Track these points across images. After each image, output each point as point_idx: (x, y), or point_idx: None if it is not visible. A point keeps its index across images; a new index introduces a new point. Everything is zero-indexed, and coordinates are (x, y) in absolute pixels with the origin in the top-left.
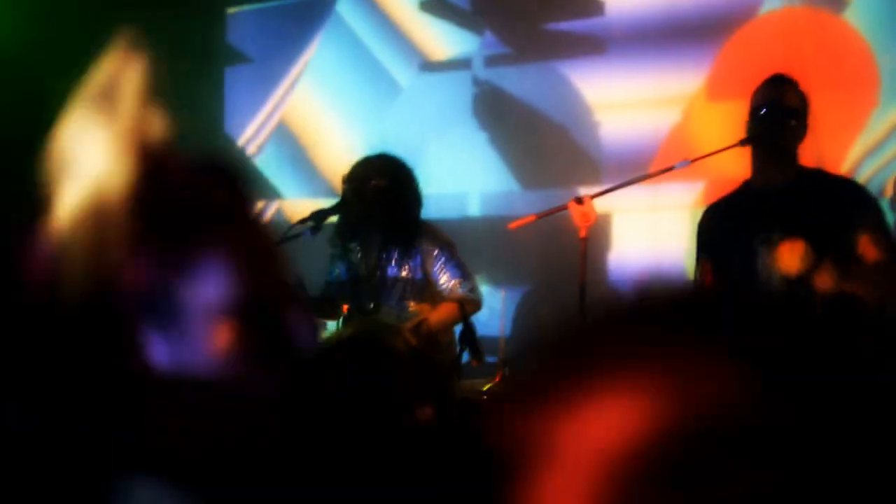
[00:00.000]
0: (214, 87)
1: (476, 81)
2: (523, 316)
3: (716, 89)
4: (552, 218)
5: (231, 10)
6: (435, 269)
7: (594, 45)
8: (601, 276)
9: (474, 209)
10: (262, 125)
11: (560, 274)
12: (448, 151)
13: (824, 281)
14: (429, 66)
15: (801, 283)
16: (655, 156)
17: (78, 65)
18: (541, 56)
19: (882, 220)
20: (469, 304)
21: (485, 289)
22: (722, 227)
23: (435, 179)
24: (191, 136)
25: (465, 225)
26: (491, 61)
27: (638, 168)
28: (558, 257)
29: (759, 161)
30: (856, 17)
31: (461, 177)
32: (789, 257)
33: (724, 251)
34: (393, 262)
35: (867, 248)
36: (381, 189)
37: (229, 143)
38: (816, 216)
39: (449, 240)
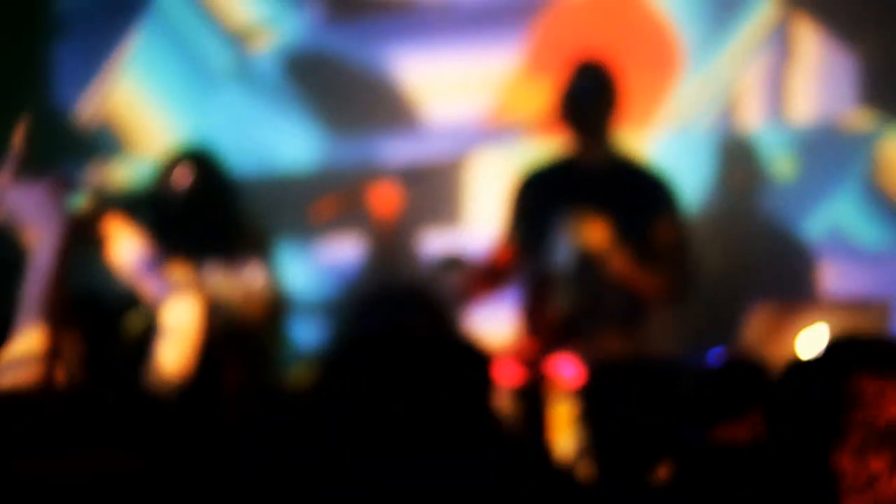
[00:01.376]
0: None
1: (291, 48)
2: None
3: (528, 70)
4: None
5: None
6: (248, 270)
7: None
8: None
9: (289, 164)
10: (90, 104)
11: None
12: (267, 121)
13: (619, 261)
14: (241, 40)
15: (595, 259)
16: (472, 129)
17: None
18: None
19: (676, 214)
20: (279, 307)
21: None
22: (536, 200)
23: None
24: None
25: (280, 181)
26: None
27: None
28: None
29: (573, 142)
30: None
31: (279, 136)
32: (592, 230)
33: (536, 224)
34: (209, 268)
35: (660, 236)
36: (192, 191)
37: (57, 116)
38: (623, 204)
39: (266, 242)
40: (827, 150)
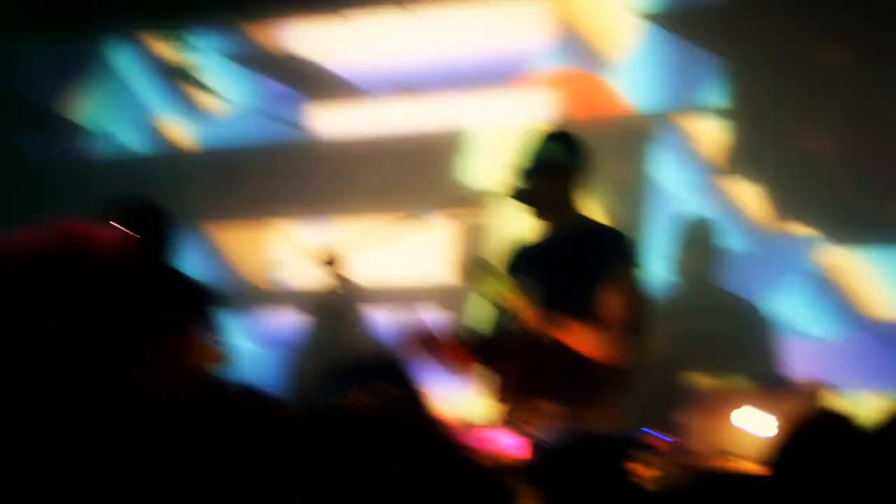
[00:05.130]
0: None
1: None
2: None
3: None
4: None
5: None
6: (189, 323)
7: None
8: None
9: None
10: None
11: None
12: None
13: (552, 332)
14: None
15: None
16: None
17: None
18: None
19: (629, 274)
20: (219, 360)
21: None
22: (512, 269)
23: None
24: None
25: None
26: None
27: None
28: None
29: (536, 214)
30: (616, 78)
31: None
32: (522, 308)
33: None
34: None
35: (607, 303)
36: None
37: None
38: (572, 266)
39: (207, 295)
40: (775, 245)
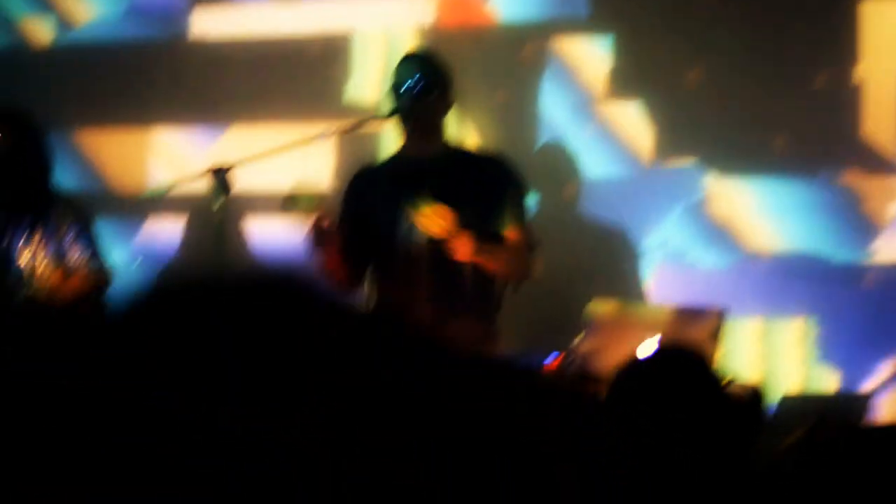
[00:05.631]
0: None
1: None
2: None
3: None
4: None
5: None
6: (65, 243)
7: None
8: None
9: None
10: None
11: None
12: None
13: (462, 247)
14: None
15: (440, 244)
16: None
17: None
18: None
19: (521, 199)
20: (99, 281)
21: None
22: (368, 191)
23: None
24: None
25: None
26: None
27: None
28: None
29: (405, 134)
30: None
31: None
32: (431, 218)
33: (367, 214)
34: (21, 240)
35: (509, 226)
36: (4, 150)
37: None
38: (464, 191)
39: (84, 212)
40: (660, 179)
